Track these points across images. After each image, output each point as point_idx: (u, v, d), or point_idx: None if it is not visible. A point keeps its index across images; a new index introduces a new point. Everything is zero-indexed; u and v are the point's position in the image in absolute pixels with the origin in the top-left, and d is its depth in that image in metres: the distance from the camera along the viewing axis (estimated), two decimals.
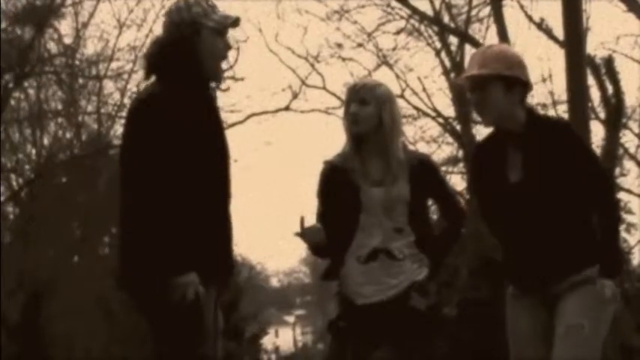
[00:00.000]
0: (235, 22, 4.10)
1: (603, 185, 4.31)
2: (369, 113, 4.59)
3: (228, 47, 4.11)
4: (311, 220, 4.57)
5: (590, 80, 17.39)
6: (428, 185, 4.65)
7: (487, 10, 20.95)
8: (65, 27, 27.26)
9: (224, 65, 4.15)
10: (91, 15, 20.79)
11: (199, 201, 3.96)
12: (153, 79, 4.11)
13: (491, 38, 22.54)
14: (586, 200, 4.25)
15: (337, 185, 4.60)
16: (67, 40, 20.30)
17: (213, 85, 4.13)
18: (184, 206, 3.90)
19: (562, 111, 17.92)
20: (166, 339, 3.96)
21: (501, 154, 4.32)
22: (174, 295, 3.86)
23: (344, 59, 21.47)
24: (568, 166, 4.20)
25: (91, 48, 21.82)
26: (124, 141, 4.03)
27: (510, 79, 4.25)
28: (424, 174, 4.63)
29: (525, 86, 4.32)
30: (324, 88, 21.74)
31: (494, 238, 4.48)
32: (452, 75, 22.63)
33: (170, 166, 3.89)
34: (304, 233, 4.49)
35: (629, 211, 20.24)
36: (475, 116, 22.32)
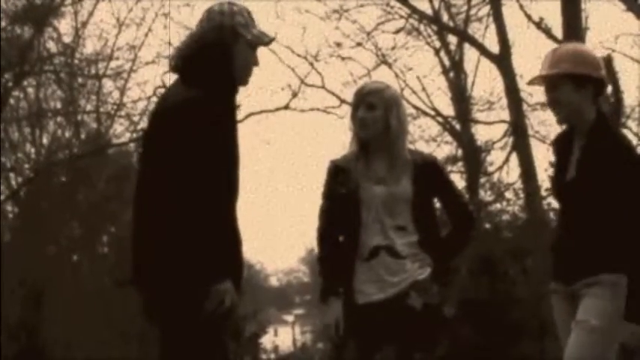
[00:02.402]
0: (269, 42, 4.12)
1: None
2: (377, 118, 4.62)
3: (256, 63, 4.12)
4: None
5: None
6: (432, 185, 4.66)
7: (486, 9, 20.97)
8: (64, 26, 27.33)
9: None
10: (91, 14, 20.85)
11: (229, 207, 3.95)
12: (176, 76, 4.09)
13: (490, 37, 22.63)
14: (621, 216, 4.25)
15: (339, 185, 4.63)
16: (67, 39, 20.35)
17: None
18: (220, 212, 3.88)
19: None
20: (188, 349, 3.92)
21: (569, 150, 4.41)
22: (211, 302, 3.82)
23: (343, 58, 21.43)
24: (612, 182, 4.23)
25: (90, 47, 21.95)
26: (166, 143, 3.89)
27: (580, 77, 4.30)
28: (429, 174, 4.64)
29: (598, 84, 4.36)
30: (323, 87, 21.71)
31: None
32: (451, 74, 22.67)
33: (208, 172, 3.86)
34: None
35: None
36: (474, 115, 22.43)
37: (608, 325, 4.19)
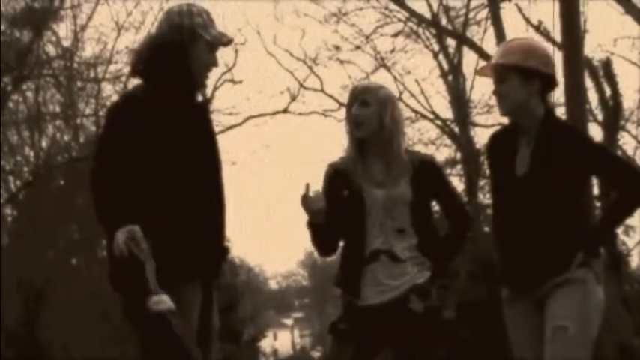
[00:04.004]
0: (228, 42, 4.19)
1: (630, 170, 4.26)
2: (371, 114, 4.59)
3: (215, 64, 4.19)
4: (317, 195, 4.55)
5: (588, 82, 17.42)
6: (431, 186, 4.64)
7: (485, 12, 21.00)
8: (64, 30, 27.32)
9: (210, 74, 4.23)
10: (90, 18, 20.85)
11: (174, 198, 4.00)
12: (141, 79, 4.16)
13: (489, 40, 22.61)
14: (582, 207, 4.25)
15: (340, 188, 4.59)
16: (66, 43, 20.37)
17: (199, 94, 4.19)
18: (158, 202, 3.96)
19: (560, 113, 17.96)
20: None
21: (513, 147, 4.32)
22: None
23: (342, 62, 21.51)
24: (573, 172, 4.19)
25: (89, 51, 21.90)
26: (99, 138, 4.14)
27: (527, 70, 4.24)
28: (427, 175, 4.62)
29: (546, 79, 4.29)
30: (322, 90, 21.77)
31: (494, 233, 4.50)
32: (450, 77, 22.68)
33: (142, 163, 3.95)
34: (306, 199, 4.46)
35: None
36: (473, 118, 22.44)
37: (584, 327, 4.12)
